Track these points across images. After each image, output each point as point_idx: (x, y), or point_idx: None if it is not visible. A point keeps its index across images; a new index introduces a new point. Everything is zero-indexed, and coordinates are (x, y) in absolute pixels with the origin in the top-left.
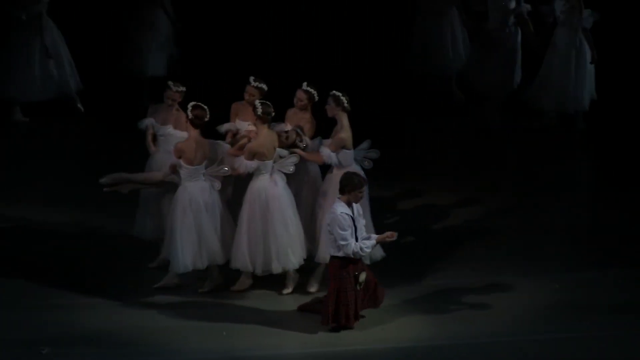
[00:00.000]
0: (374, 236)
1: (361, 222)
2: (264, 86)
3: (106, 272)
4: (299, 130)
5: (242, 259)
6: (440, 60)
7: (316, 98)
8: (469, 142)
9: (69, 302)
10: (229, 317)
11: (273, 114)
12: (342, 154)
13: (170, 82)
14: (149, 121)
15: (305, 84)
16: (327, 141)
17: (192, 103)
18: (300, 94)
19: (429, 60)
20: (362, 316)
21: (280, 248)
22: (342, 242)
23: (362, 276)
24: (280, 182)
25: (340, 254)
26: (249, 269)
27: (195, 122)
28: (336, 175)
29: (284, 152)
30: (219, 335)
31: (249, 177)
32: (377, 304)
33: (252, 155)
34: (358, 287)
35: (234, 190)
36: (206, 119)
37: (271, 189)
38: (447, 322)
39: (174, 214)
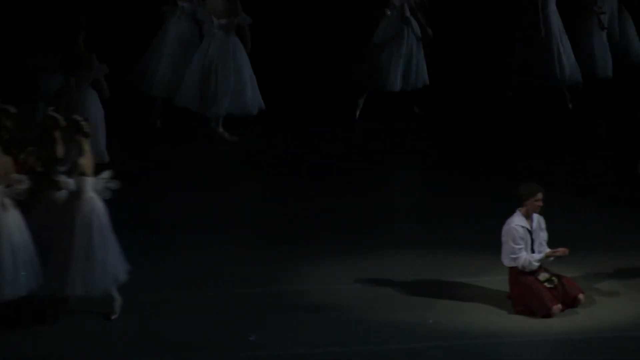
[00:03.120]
0: (545, 250)
1: (541, 236)
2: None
3: None
4: (36, 155)
5: None
6: None
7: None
8: None
9: None
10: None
11: (6, 137)
12: (80, 181)
13: None
14: None
15: (50, 108)
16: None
17: None
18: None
19: None
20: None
21: (7, 273)
22: (512, 256)
23: (543, 276)
24: (10, 206)
25: (513, 264)
26: None
27: None
28: (69, 202)
29: (22, 177)
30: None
31: None
32: (575, 302)
33: None
34: (547, 285)
35: None
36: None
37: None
38: None
39: None
